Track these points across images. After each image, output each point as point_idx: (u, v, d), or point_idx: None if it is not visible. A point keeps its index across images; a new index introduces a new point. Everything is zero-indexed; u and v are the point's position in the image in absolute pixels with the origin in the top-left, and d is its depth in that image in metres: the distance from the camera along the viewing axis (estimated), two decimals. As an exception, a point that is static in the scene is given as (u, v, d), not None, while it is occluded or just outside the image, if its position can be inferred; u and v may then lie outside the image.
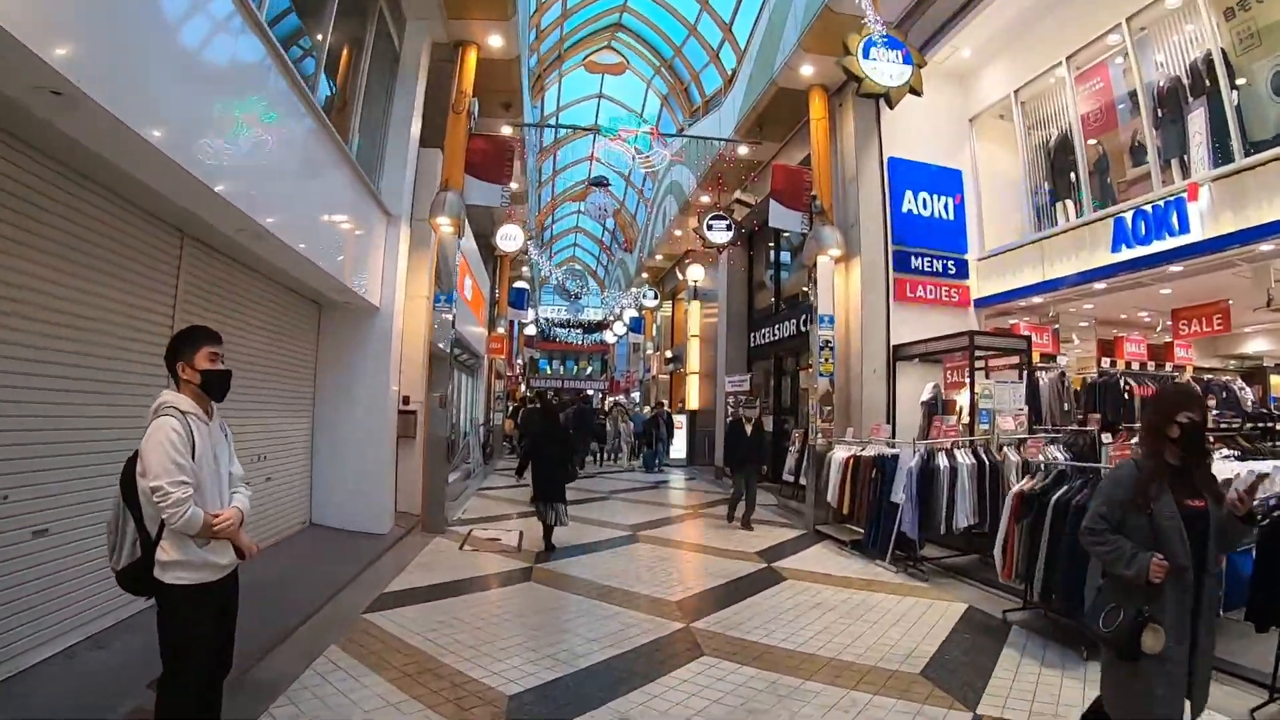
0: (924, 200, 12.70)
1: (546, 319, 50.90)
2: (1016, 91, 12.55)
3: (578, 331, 54.09)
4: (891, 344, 12.19)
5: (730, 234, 17.48)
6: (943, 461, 8.76)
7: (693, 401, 24.54)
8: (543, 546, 9.87)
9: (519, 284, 28.81)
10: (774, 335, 17.62)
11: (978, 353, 10.81)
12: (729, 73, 21.02)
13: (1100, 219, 10.59)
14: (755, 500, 11.81)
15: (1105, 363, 12.33)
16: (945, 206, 12.86)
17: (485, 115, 14.25)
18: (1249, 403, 11.76)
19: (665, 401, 27.54)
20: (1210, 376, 12.28)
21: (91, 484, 5.34)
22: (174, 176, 5.14)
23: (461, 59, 12.07)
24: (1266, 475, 5.50)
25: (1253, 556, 5.21)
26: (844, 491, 10.35)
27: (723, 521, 12.35)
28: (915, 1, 11.32)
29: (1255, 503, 3.83)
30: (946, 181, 12.99)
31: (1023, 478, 8.81)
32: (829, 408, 12.07)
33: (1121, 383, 11.18)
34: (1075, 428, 10.40)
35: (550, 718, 4.67)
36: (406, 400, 11.55)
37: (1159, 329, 14.28)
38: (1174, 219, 9.34)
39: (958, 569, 8.99)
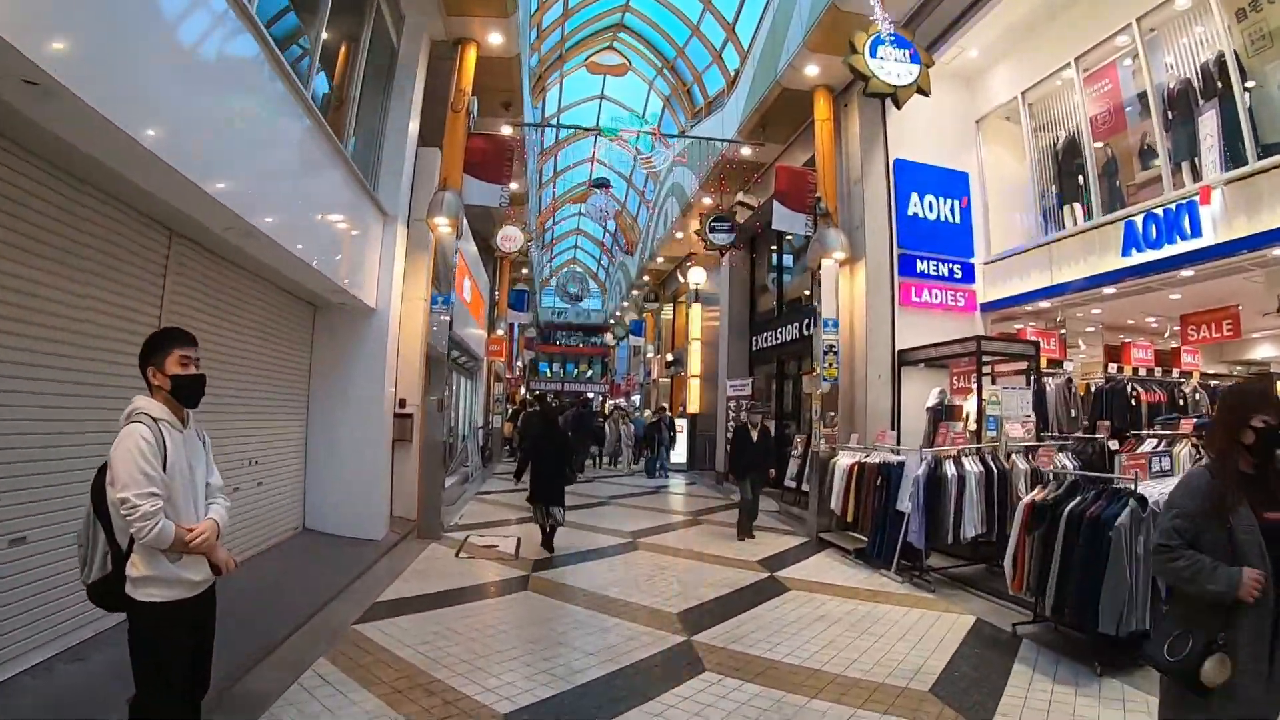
0: (930, 203, 12.51)
1: (547, 321, 50.80)
2: (1024, 93, 12.35)
3: (578, 334, 53.98)
4: (896, 349, 12.00)
5: (732, 236, 17.31)
6: (950, 469, 8.58)
7: (693, 405, 24.31)
8: (544, 554, 9.78)
9: (519, 286, 28.65)
10: (776, 339, 17.41)
11: (984, 358, 10.60)
12: (732, 73, 20.85)
13: (1110, 222, 10.40)
14: (758, 509, 11.54)
15: (1112, 369, 12.13)
16: (951, 209, 12.67)
17: (485, 115, 14.09)
18: (1257, 409, 11.58)
19: (666, 405, 27.33)
20: (1216, 383, 12.14)
21: (71, 490, 5.12)
22: (157, 171, 4.95)
23: (461, 56, 11.88)
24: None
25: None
26: (848, 499, 10.16)
27: (724, 529, 12.16)
28: (922, 1, 11.15)
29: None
30: (953, 184, 12.80)
31: (1032, 486, 8.72)
32: (832, 413, 11.86)
33: (1129, 389, 11.03)
34: (1082, 435, 10.26)
35: (546, 739, 4.48)
36: (403, 403, 11.36)
37: (1166, 335, 14.14)
38: (1186, 222, 9.17)
39: (964, 579, 8.78)
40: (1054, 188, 12.06)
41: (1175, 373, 12.30)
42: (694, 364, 24.48)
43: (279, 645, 5.90)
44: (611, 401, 40.72)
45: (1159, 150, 9.99)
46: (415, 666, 5.53)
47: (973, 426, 10.11)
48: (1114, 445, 9.70)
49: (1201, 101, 9.37)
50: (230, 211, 5.84)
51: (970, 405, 10.52)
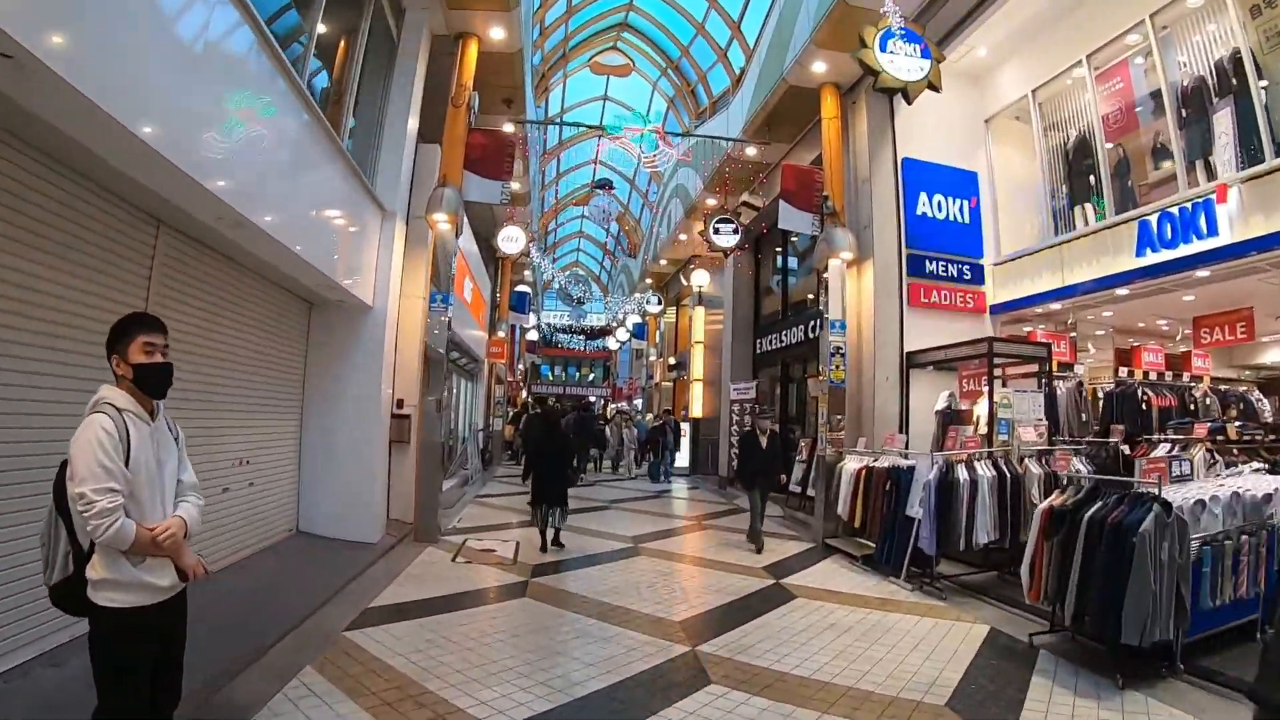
0: (939, 202, 12.30)
1: (549, 324, 50.62)
2: (1034, 91, 12.18)
3: (580, 337, 53.78)
4: (905, 351, 11.76)
5: (737, 237, 17.10)
6: (962, 474, 8.33)
7: (696, 409, 24.07)
8: (544, 559, 9.58)
9: (521, 288, 28.46)
10: (781, 341, 17.20)
11: (995, 360, 10.35)
12: (737, 72, 20.68)
13: (1124, 222, 10.20)
14: (763, 516, 11.25)
15: (1122, 373, 11.91)
16: (960, 209, 12.46)
17: (487, 112, 13.91)
18: (1266, 413, 11.43)
19: (670, 408, 27.07)
20: (1227, 387, 11.97)
21: (44, 488, 4.86)
22: (138, 154, 4.72)
23: (462, 51, 11.67)
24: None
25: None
26: (856, 504, 9.91)
27: (728, 534, 11.94)
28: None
29: None
30: (962, 183, 12.60)
31: (1046, 492, 8.51)
32: (839, 416, 11.62)
33: (1139, 393, 10.81)
34: (1094, 439, 10.06)
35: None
36: (401, 404, 11.13)
37: (1178, 337, 13.95)
38: (1202, 221, 8.98)
39: (975, 587, 8.53)
40: (1064, 188, 11.86)
41: (1186, 377, 12.07)
42: (697, 367, 24.28)
43: (266, 652, 5.66)
44: (614, 405, 40.49)
45: (1174, 149, 9.79)
46: (406, 677, 5.27)
47: (983, 430, 9.87)
48: (1125, 450, 9.55)
49: (1216, 99, 9.23)
50: (216, 199, 5.60)
51: (981, 408, 10.27)
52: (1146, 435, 9.86)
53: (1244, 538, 6.20)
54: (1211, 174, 9.18)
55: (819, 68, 12.33)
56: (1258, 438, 9.73)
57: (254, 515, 8.63)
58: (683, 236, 24.40)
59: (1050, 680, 5.59)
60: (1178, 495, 5.90)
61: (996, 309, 12.41)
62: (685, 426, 24.47)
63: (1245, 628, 6.19)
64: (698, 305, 24.63)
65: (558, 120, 27.87)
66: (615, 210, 26.45)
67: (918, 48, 9.96)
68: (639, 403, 39.11)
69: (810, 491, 12.86)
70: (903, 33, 9.85)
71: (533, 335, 39.90)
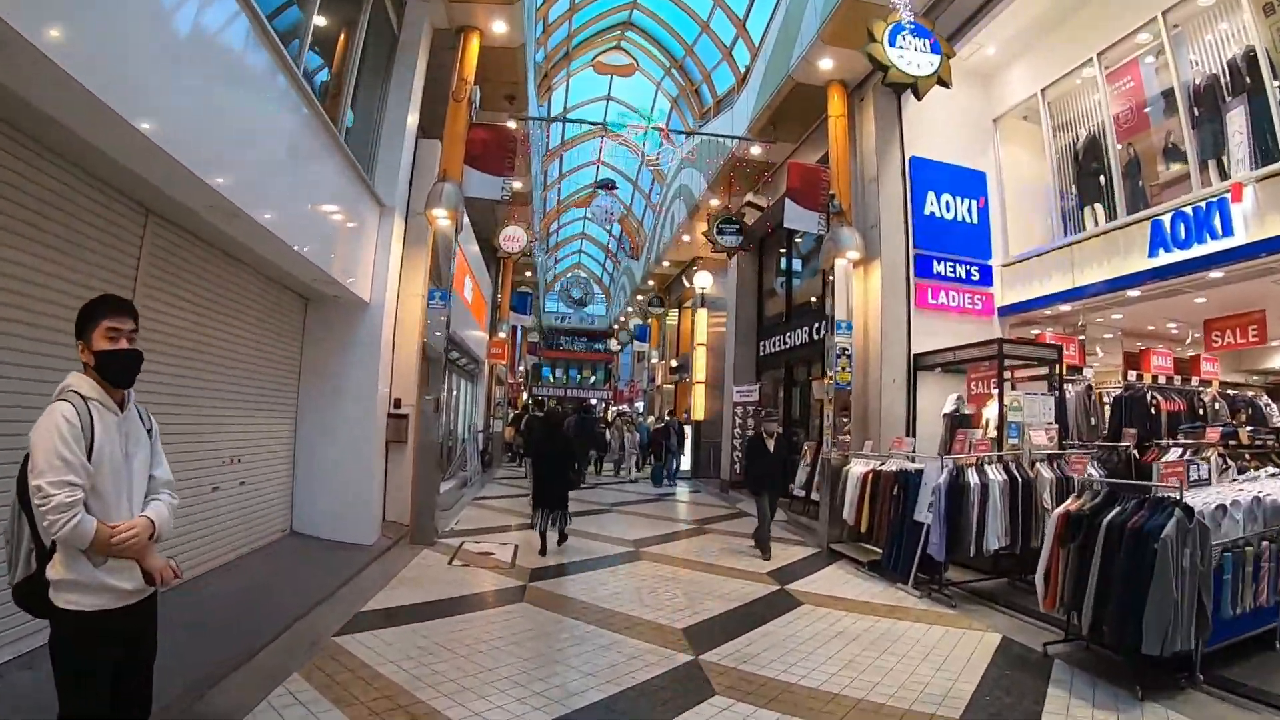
0: (947, 202, 12.09)
1: (550, 326, 50.53)
2: (1043, 90, 11.98)
3: (582, 339, 53.70)
4: (912, 353, 11.55)
5: (741, 238, 16.90)
6: (973, 478, 8.11)
7: (698, 412, 23.83)
8: (542, 563, 9.41)
9: (522, 288, 28.31)
10: (784, 344, 17.00)
11: (1005, 363, 10.14)
12: (742, 71, 20.49)
13: (1136, 222, 10.02)
14: (769, 521, 11.00)
15: (1131, 376, 11.71)
16: (969, 209, 12.25)
17: (489, 109, 13.75)
18: (1275, 418, 11.25)
19: (671, 410, 26.83)
20: (1235, 392, 11.76)
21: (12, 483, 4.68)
22: (120, 134, 4.50)
23: (463, 45, 11.46)
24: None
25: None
26: (862, 508, 9.70)
27: (730, 539, 11.75)
28: (936, -4, 10.82)
29: None
30: (970, 183, 12.39)
31: (1058, 496, 8.30)
32: (845, 419, 11.40)
33: (1148, 397, 10.61)
34: (1103, 443, 9.85)
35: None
36: (398, 403, 10.92)
37: (1188, 341, 13.75)
38: (1216, 221, 8.80)
39: (985, 593, 8.30)
40: (1073, 188, 11.67)
41: (1194, 381, 11.86)
42: (699, 370, 24.05)
43: (253, 656, 5.45)
44: (615, 407, 40.32)
45: (1187, 148, 9.61)
46: (397, 685, 5.05)
47: (993, 433, 9.66)
48: (1134, 454, 9.36)
49: (1229, 98, 9.06)
50: (207, 187, 5.38)
51: (990, 411, 10.07)
52: (1156, 440, 9.66)
53: (1265, 544, 6.00)
54: (1224, 173, 9.03)
55: (826, 65, 12.12)
56: (1269, 443, 9.56)
57: (245, 515, 8.41)
58: (686, 237, 24.19)
59: (1067, 692, 5.38)
60: (1198, 500, 5.71)
61: (1005, 311, 12.20)
62: (687, 429, 24.17)
63: (1264, 637, 6.02)
64: (700, 307, 24.45)
65: (560, 118, 27.69)
66: (618, 211, 26.26)
67: (927, 43, 9.78)
68: (640, 405, 38.96)
69: (814, 495, 12.64)
70: (912, 27, 9.68)
71: (534, 337, 39.72)
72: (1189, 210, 9.16)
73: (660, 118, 26.45)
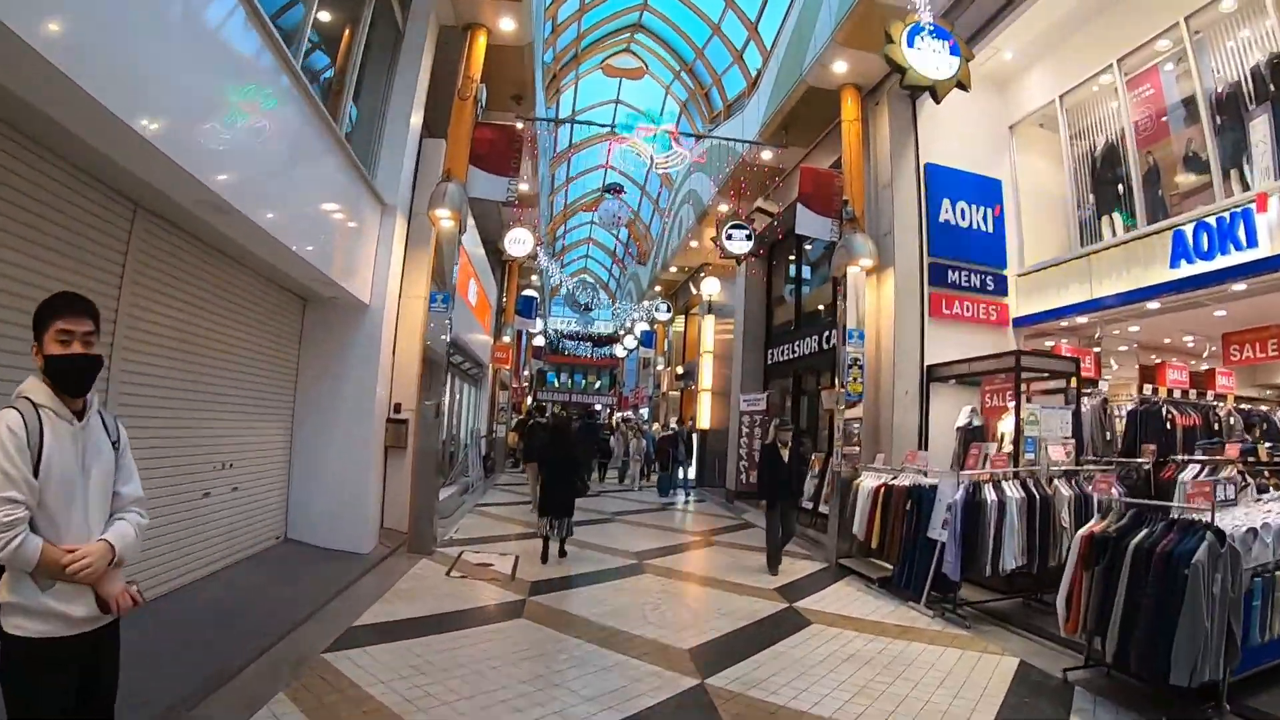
0: (962, 210, 11.84)
1: (555, 331, 50.33)
2: (1061, 97, 11.74)
3: (587, 345, 53.46)
4: (925, 363, 11.28)
5: (750, 244, 16.65)
6: (990, 495, 7.83)
7: (704, 420, 23.56)
8: (543, 575, 9.15)
9: (528, 292, 28.10)
10: (793, 352, 16.74)
11: (1022, 375, 9.87)
12: (753, 75, 20.26)
13: (1156, 232, 9.76)
14: (791, 535, 10.65)
15: (1146, 390, 11.43)
16: (984, 217, 11.99)
17: (496, 109, 13.55)
18: (1291, 434, 10.98)
19: (679, 418, 26.49)
20: (1249, 406, 11.46)
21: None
22: (95, 117, 4.23)
23: (470, 42, 11.23)
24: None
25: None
26: (873, 524, 9.41)
27: (736, 551, 11.49)
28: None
29: None
30: (986, 191, 12.13)
31: (1077, 514, 8.04)
32: (856, 431, 11.12)
33: (1164, 411, 10.34)
34: (1124, 459, 9.59)
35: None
36: (398, 408, 10.68)
37: (1205, 354, 13.48)
38: (1241, 232, 8.55)
39: (1000, 614, 8.02)
40: (1090, 197, 11.41)
41: (1210, 395, 11.59)
42: (705, 377, 23.80)
43: (236, 674, 5.20)
44: (620, 414, 40.08)
45: (1210, 157, 9.37)
46: (386, 708, 4.78)
47: (1008, 448, 9.39)
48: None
49: (1252, 105, 8.84)
50: (189, 175, 5.11)
51: (1006, 425, 9.80)
52: (1173, 455, 9.40)
53: (1293, 569, 5.72)
54: (1246, 183, 8.82)
55: (840, 68, 11.88)
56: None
57: (238, 522, 8.16)
58: (694, 243, 23.96)
59: (1091, 721, 5.07)
60: (1227, 522, 5.42)
61: (1020, 322, 11.94)
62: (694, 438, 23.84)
63: (1287, 665, 5.73)
64: (708, 314, 24.20)
65: (568, 120, 27.50)
66: (625, 215, 26.08)
67: (946, 45, 9.53)
68: (645, 412, 38.73)
69: (823, 508, 12.37)
70: (931, 28, 9.44)
71: (539, 341, 39.51)
72: (1212, 220, 8.92)
73: (669, 121, 26.21)
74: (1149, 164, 10.51)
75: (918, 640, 7.05)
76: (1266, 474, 8.60)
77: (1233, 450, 8.52)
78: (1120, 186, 10.86)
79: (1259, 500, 6.88)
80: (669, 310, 31.90)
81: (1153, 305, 10.05)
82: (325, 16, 8.66)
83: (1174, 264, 9.36)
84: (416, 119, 10.81)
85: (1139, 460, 9.20)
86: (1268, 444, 9.55)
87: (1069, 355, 11.15)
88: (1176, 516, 5.60)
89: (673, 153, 15.60)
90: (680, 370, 30.64)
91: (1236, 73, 9.04)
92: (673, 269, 28.85)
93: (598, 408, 47.73)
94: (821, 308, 16.23)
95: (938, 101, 9.83)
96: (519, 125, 12.73)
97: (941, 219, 11.66)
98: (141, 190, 5.61)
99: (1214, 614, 4.93)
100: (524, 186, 16.98)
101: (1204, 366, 13.10)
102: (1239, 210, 8.59)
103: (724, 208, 19.01)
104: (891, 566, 9.20)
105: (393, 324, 10.53)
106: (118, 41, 4.23)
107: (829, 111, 12.93)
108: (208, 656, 5.29)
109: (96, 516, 2.70)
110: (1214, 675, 4.96)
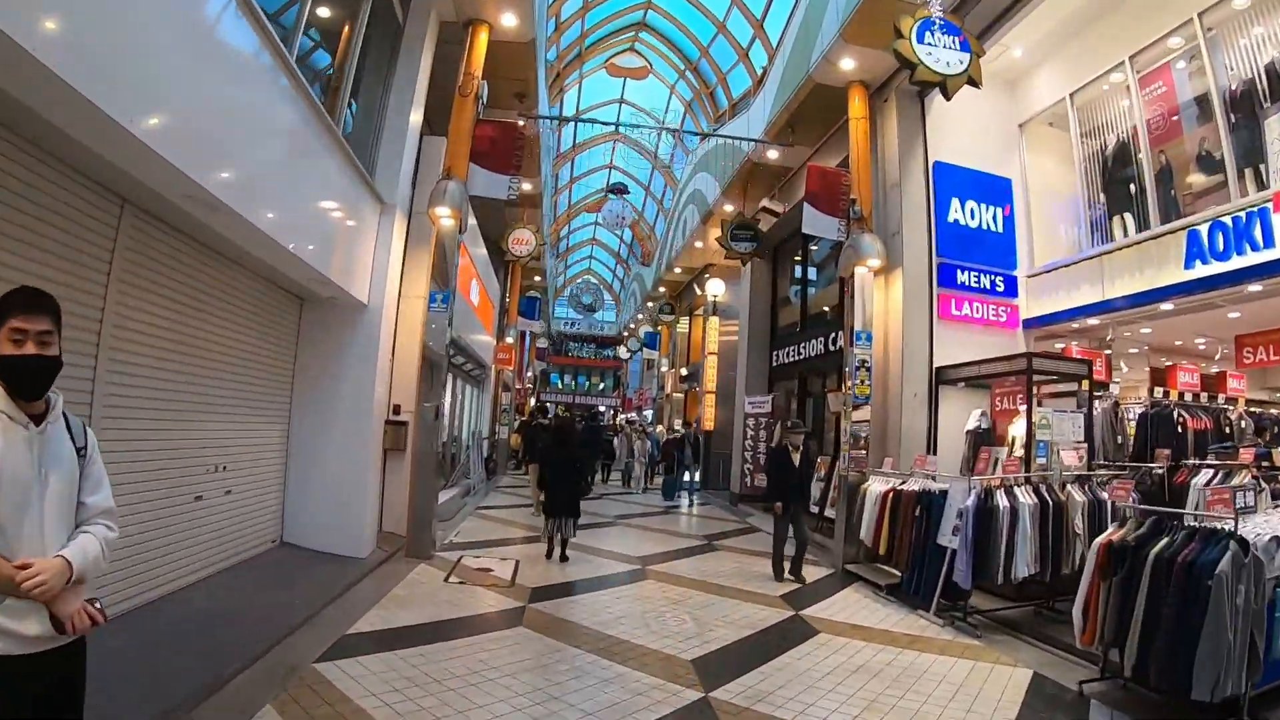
0: (971, 209, 11.63)
1: (559, 332, 50.25)
2: (1072, 95, 11.52)
3: (591, 346, 53.41)
4: (934, 366, 11.08)
5: (755, 245, 16.46)
6: (1002, 501, 7.64)
7: (708, 422, 23.34)
8: (543, 581, 8.97)
9: (531, 293, 27.97)
10: (798, 354, 16.54)
11: (1034, 378, 9.67)
12: (759, 73, 20.10)
13: (1170, 232, 9.54)
14: (805, 544, 10.29)
15: (1156, 393, 11.25)
16: (994, 217, 11.79)
17: (498, 106, 13.40)
18: (1301, 438, 10.80)
19: (685, 420, 26.26)
20: (1260, 410, 11.31)
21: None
22: (70, 104, 4.03)
23: (471, 38, 11.05)
24: None
25: None
26: (881, 529, 9.21)
27: (742, 556, 11.32)
28: (962, -4, 10.39)
29: None
30: (996, 190, 11.93)
31: (1091, 520, 7.85)
32: (864, 434, 10.93)
33: (1175, 415, 10.15)
34: (1136, 463, 9.40)
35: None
36: (397, 409, 10.50)
37: (1217, 357, 13.30)
38: (1257, 232, 8.34)
39: (1011, 623, 7.84)
40: (1101, 197, 11.22)
41: (1221, 398, 11.40)
42: (709, 379, 23.57)
43: (225, 684, 5.01)
44: (624, 415, 39.94)
45: (1225, 156, 9.18)
46: (377, 722, 4.60)
47: (1019, 452, 9.19)
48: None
49: (1267, 103, 8.65)
50: (172, 166, 4.90)
51: (1017, 429, 9.60)
52: (1184, 460, 9.21)
53: (1314, 578, 5.53)
54: (1262, 182, 8.62)
55: (847, 65, 11.68)
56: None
57: (232, 526, 7.98)
58: (698, 243, 23.81)
59: (1109, 738, 4.90)
60: (1249, 530, 5.23)
61: (1030, 324, 11.73)
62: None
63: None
64: (712, 315, 24.00)
65: (572, 118, 27.36)
66: (629, 216, 25.96)
67: (956, 40, 9.35)
68: (649, 413, 38.60)
69: (829, 512, 12.16)
70: (941, 23, 9.27)
71: (542, 343, 39.41)
72: (1228, 220, 8.72)
73: (674, 121, 26.07)
74: (1161, 163, 10.32)
75: (928, 650, 6.86)
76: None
77: (1247, 455, 8.33)
78: (1132, 186, 10.66)
79: (1277, 505, 6.71)
80: (673, 311, 31.75)
81: (1166, 306, 9.84)
82: (323, 11, 8.51)
83: (1189, 264, 9.16)
84: (416, 116, 10.63)
85: (1153, 465, 9.03)
86: (1280, 448, 9.39)
87: (1080, 358, 10.97)
88: (1196, 524, 5.42)
89: (677, 151, 15.47)
90: (684, 372, 30.48)
91: (1251, 70, 8.84)
92: (677, 270, 28.69)
93: (601, 409, 47.57)
94: (827, 309, 16.04)
95: (948, 98, 9.65)
96: (521, 122, 12.56)
97: (950, 219, 11.46)
98: (129, 185, 5.43)
99: (1237, 626, 4.75)
100: (527, 186, 16.83)
101: (1214, 369, 12.92)
102: (1255, 210, 8.39)
103: (729, 208, 18.85)
104: (899, 573, 9.02)
105: (392, 324, 10.36)
106: (105, 35, 4.06)
107: (836, 110, 12.73)
108: (195, 665, 5.12)
109: (55, 528, 2.49)
110: (1236, 689, 4.78)
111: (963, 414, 10.82)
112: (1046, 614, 8.06)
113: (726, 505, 18.69)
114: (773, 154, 15.56)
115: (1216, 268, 8.80)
